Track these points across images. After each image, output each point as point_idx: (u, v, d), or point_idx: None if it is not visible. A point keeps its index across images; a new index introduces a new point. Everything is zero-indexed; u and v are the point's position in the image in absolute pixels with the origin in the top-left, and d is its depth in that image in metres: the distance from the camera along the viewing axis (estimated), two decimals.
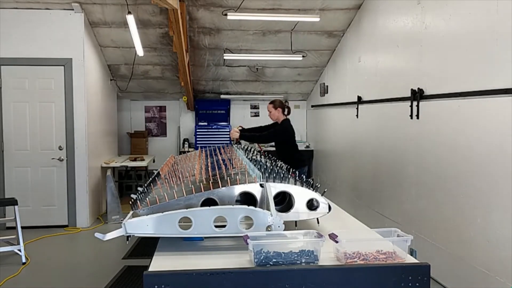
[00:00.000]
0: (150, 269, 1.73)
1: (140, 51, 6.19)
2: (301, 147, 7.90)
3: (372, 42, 5.50)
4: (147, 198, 2.16)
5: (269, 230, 1.90)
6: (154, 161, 7.78)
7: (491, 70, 3.27)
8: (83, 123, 5.98)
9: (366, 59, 5.73)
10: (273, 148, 5.25)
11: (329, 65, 7.31)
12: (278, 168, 2.58)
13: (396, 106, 4.77)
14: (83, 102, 5.96)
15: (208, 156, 3.38)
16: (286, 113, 5.06)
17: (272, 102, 5.08)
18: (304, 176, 2.55)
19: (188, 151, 6.92)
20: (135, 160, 7.22)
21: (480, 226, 3.40)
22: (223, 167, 2.66)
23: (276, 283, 1.61)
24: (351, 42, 6.28)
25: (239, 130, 4.92)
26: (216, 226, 1.90)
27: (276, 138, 5.02)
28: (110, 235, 1.88)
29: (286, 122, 5.00)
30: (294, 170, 2.74)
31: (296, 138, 5.11)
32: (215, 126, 8.22)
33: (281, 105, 5.06)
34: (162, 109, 8.66)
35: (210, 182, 2.17)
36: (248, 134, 4.97)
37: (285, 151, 4.95)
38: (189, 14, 5.88)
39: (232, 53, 6.82)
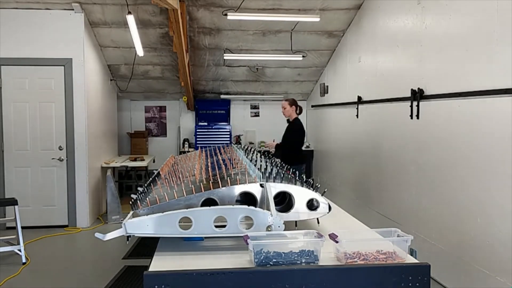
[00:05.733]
0: (150, 269, 1.73)
1: (140, 51, 6.19)
2: None
3: (372, 42, 5.50)
4: (147, 198, 2.16)
5: (269, 230, 1.90)
6: (154, 161, 7.79)
7: (491, 70, 3.27)
8: (83, 123, 5.98)
9: (366, 59, 5.73)
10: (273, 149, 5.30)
11: (329, 65, 7.30)
12: (278, 168, 2.58)
13: (396, 106, 4.77)
14: (83, 102, 5.96)
15: (208, 156, 3.38)
16: (298, 112, 5.38)
17: (288, 99, 5.40)
18: (303, 175, 2.56)
19: (188, 151, 6.93)
20: (135, 160, 7.22)
21: (480, 226, 3.40)
22: (223, 167, 2.66)
23: (276, 283, 1.61)
24: (351, 42, 6.28)
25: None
26: (216, 226, 1.90)
27: (294, 136, 5.30)
28: (110, 235, 1.88)
29: (299, 121, 5.35)
30: (293, 168, 2.74)
31: None
32: (215, 126, 8.21)
33: (296, 103, 5.39)
34: (162, 109, 8.66)
35: (210, 182, 2.17)
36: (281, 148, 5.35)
37: (290, 147, 5.24)
38: (189, 14, 5.88)
39: (232, 53, 6.82)
